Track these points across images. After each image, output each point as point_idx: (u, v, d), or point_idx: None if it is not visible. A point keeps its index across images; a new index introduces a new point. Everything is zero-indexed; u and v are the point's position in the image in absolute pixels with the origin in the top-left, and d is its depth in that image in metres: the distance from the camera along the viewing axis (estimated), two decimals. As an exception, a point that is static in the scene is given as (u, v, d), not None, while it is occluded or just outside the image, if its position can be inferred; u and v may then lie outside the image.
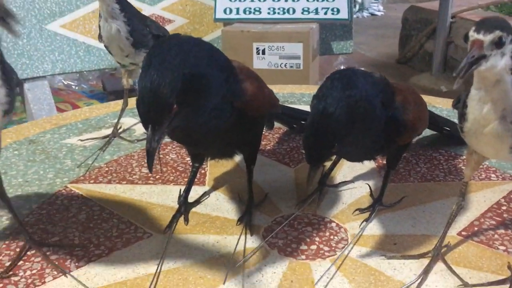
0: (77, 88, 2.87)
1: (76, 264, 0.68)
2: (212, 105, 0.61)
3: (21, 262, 0.69)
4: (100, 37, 0.96)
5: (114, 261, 0.69)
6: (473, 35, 0.45)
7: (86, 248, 0.71)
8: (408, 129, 0.71)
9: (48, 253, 0.70)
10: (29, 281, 0.65)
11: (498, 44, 0.45)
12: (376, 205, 0.81)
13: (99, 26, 0.94)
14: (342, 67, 2.85)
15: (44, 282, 0.65)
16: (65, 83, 2.87)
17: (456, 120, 0.62)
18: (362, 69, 0.72)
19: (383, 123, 0.67)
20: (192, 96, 0.56)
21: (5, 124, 0.65)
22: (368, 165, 0.95)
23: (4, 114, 0.60)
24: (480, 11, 3.39)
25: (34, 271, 0.67)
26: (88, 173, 0.93)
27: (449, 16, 3.00)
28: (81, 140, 1.06)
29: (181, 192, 0.83)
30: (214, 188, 0.89)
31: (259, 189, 0.88)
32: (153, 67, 0.54)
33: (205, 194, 0.87)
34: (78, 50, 2.12)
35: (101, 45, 2.23)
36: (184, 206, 0.81)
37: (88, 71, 2.45)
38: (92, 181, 0.90)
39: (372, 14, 4.76)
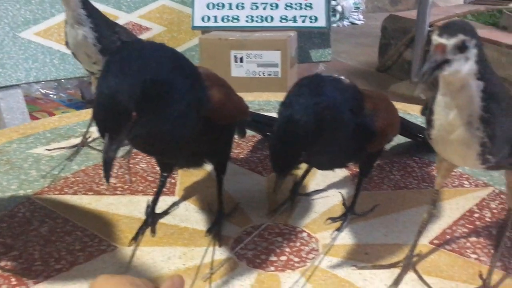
0: (55, 97, 2.82)
1: (35, 280, 0.65)
2: (176, 113, 0.58)
3: (-24, 278, 0.65)
4: (67, 44, 0.94)
5: (75, 276, 0.66)
6: (436, 39, 0.44)
7: (46, 262, 0.68)
8: (378, 136, 0.70)
9: (6, 267, 0.67)
10: (-17, 298, 0.62)
11: (462, 48, 0.44)
12: (348, 214, 0.79)
13: (65, 33, 0.91)
14: (322, 75, 2.86)
15: (0, 299, 0.62)
16: (43, 92, 2.81)
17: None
18: (337, 75, 0.71)
19: (352, 131, 0.66)
20: (153, 103, 0.54)
21: None
22: (341, 173, 0.94)
23: None
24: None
25: (-10, 287, 0.64)
26: (53, 184, 0.90)
27: (427, 25, 3.03)
28: (48, 150, 1.03)
29: (149, 203, 0.80)
30: (183, 198, 0.86)
31: (230, 199, 0.85)
32: (111, 73, 0.52)
33: (174, 204, 0.84)
34: (52, 58, 2.09)
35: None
36: (151, 218, 0.78)
37: (66, 80, 2.41)
38: (57, 192, 0.87)
39: (352, 23, 4.80)
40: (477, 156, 0.52)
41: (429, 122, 0.53)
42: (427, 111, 0.54)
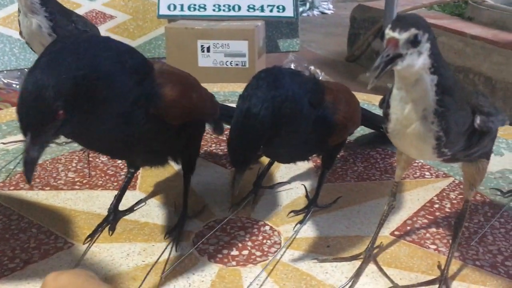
0: (18, 87, 2.74)
1: (-14, 279, 0.63)
2: (116, 112, 0.55)
3: None
4: (21, 33, 0.90)
5: (29, 275, 0.64)
6: (388, 33, 0.44)
7: (-1, 261, 0.66)
8: (338, 128, 0.69)
9: (-46, 269, 0.64)
10: None
11: (414, 42, 0.44)
12: (311, 207, 0.79)
13: (18, 21, 0.87)
14: (292, 65, 2.86)
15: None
16: (5, 81, 2.72)
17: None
18: (293, 67, 0.70)
19: (311, 123, 0.65)
20: (86, 101, 0.51)
21: None
22: (305, 165, 0.94)
23: None
24: (423, 11, 3.48)
25: None
26: (8, 179, 0.87)
27: (395, 15, 3.06)
28: (4, 144, 0.99)
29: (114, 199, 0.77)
30: (145, 191, 0.85)
31: (197, 197, 0.84)
32: (39, 67, 0.49)
33: (140, 201, 0.81)
34: (13, 47, 2.02)
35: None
36: (113, 215, 0.75)
37: (27, 69, 2.32)
38: (12, 188, 0.84)
39: (322, 13, 4.80)
40: (433, 149, 0.52)
41: (386, 115, 0.53)
42: (384, 105, 0.54)
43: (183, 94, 0.64)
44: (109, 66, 0.53)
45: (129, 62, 0.56)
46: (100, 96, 0.52)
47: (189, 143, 0.72)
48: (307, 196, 0.84)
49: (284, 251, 0.70)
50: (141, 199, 0.82)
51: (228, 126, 1.02)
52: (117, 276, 0.64)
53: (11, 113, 1.17)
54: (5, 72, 2.33)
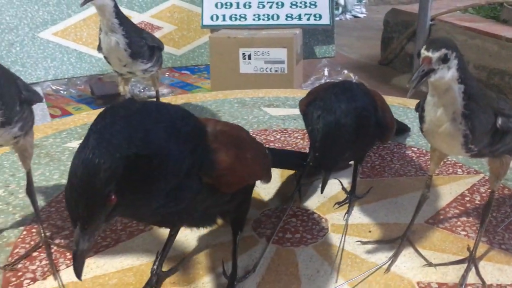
0: (65, 93, 2.94)
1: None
2: (169, 188, 0.50)
3: (36, 253, 0.77)
4: (99, 49, 1.04)
5: (120, 251, 0.77)
6: (423, 52, 0.55)
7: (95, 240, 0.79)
8: (389, 130, 0.81)
9: (61, 244, 0.78)
10: (45, 269, 0.73)
11: (444, 60, 0.55)
12: (352, 197, 0.90)
13: (99, 39, 1.02)
14: (325, 70, 2.95)
15: (59, 270, 0.73)
16: (54, 88, 2.92)
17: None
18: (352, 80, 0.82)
19: (373, 128, 0.77)
20: (139, 181, 0.46)
21: (11, 136, 0.69)
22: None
23: (1, 126, 0.65)
24: (458, 14, 3.52)
25: (49, 261, 0.75)
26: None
27: (429, 18, 3.12)
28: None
29: (156, 258, 0.69)
30: (193, 252, 0.77)
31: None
32: (89, 146, 0.44)
33: (184, 259, 0.75)
34: (70, 57, 2.19)
35: (92, 52, 2.31)
36: (156, 277, 0.68)
37: (71, 79, 2.49)
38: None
39: (355, 17, 4.87)
40: (461, 146, 0.62)
41: (421, 118, 0.64)
42: (420, 109, 0.65)
43: (238, 158, 0.59)
44: (163, 140, 0.48)
45: (183, 130, 0.51)
46: (154, 174, 0.47)
47: (241, 202, 0.67)
48: (343, 188, 0.95)
49: (343, 239, 0.81)
50: (184, 257, 0.75)
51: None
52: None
53: (83, 117, 1.32)
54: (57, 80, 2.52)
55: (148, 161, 0.46)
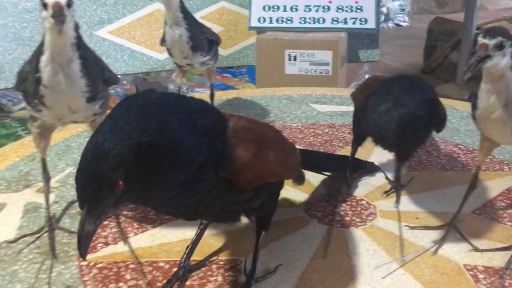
0: (112, 91, 3.08)
1: (152, 224, 0.83)
2: (183, 178, 0.49)
3: (106, 222, 0.84)
4: (162, 41, 1.12)
5: (181, 224, 0.83)
6: (480, 39, 0.59)
7: (158, 213, 0.86)
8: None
9: (128, 216, 0.85)
10: (116, 236, 0.80)
11: (500, 47, 0.59)
12: (397, 187, 0.94)
13: (164, 32, 1.09)
14: (366, 76, 2.97)
15: (128, 237, 0.80)
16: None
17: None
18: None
19: None
20: (150, 169, 0.46)
21: (95, 112, 0.75)
22: (387, 156, 1.08)
23: (87, 101, 0.72)
24: (504, 23, 3.47)
25: (119, 229, 0.82)
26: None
27: (474, 28, 3.09)
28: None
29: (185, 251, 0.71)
30: (220, 247, 0.78)
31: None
32: (102, 131, 0.44)
33: (212, 255, 0.76)
34: (123, 54, 2.30)
35: (144, 50, 2.41)
36: (183, 270, 0.69)
37: (123, 75, 2.61)
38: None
39: (398, 25, 4.86)
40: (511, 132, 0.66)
41: (474, 105, 0.67)
42: (473, 97, 0.68)
43: (257, 155, 0.57)
44: (177, 131, 0.48)
45: (200, 123, 0.51)
46: (164, 164, 0.47)
47: (266, 201, 0.64)
48: (387, 178, 0.99)
49: (380, 220, 0.85)
50: (211, 254, 0.76)
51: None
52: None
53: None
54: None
55: (160, 150, 0.46)
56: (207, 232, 0.74)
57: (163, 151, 0.46)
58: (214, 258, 0.75)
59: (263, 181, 0.59)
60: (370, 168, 1.02)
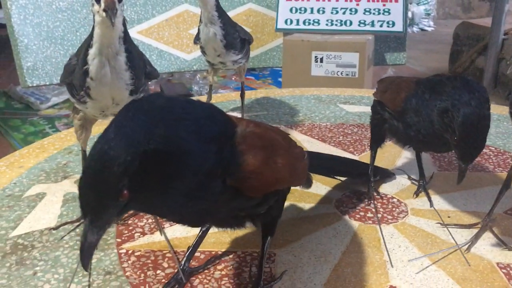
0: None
1: (187, 216, 0.85)
2: (189, 187, 0.48)
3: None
4: (197, 39, 1.14)
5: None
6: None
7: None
8: None
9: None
10: (152, 226, 0.82)
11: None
12: (423, 184, 0.94)
13: (198, 30, 1.11)
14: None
15: (164, 227, 0.82)
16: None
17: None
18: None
19: None
20: (156, 178, 0.44)
21: None
22: (411, 156, 1.08)
23: (130, 93, 0.75)
24: (532, 29, 3.42)
25: (155, 219, 0.84)
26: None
27: (502, 33, 3.06)
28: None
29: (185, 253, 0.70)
30: (224, 251, 0.76)
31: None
32: (107, 137, 0.43)
33: (211, 260, 0.74)
34: (151, 54, 2.34)
35: (172, 50, 2.45)
36: (183, 274, 0.68)
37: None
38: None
39: (422, 30, 4.83)
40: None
41: (512, 103, 0.68)
42: (511, 96, 0.69)
43: (266, 162, 0.56)
44: (184, 138, 0.46)
45: (208, 129, 0.49)
46: (171, 172, 0.45)
47: (272, 206, 0.63)
48: (409, 178, 0.99)
49: (411, 217, 0.86)
50: (212, 258, 0.75)
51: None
52: None
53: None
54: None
55: (166, 158, 0.44)
56: (209, 233, 0.73)
57: (170, 159, 0.45)
58: (217, 262, 0.74)
59: (271, 188, 0.59)
60: (384, 175, 1.01)
